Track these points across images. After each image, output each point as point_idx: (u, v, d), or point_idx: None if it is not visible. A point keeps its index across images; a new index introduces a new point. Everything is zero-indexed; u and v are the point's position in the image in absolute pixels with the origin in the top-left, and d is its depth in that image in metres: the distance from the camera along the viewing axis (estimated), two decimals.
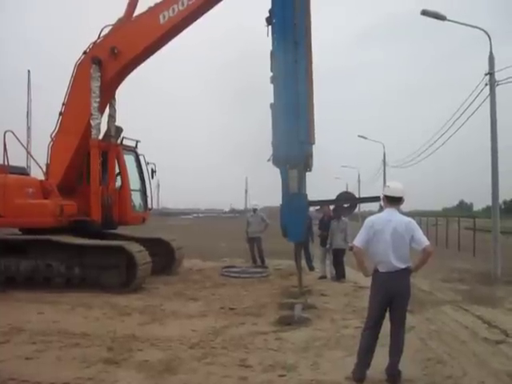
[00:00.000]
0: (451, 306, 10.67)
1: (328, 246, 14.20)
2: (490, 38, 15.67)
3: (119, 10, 13.34)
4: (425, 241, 5.84)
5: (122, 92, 14.48)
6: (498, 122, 15.42)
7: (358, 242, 5.97)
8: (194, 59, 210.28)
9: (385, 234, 5.80)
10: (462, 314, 9.91)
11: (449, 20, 16.32)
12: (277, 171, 10.40)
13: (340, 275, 13.91)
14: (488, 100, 15.73)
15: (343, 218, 13.92)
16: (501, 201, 16.03)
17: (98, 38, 13.40)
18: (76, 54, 13.49)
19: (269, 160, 10.39)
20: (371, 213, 6.54)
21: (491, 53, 15.65)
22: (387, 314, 5.97)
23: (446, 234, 28.67)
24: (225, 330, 8.46)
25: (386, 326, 5.98)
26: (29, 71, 42.13)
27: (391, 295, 5.82)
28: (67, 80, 13.54)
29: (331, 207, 14.19)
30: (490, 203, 16.80)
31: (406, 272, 5.86)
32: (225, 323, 8.89)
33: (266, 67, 10.59)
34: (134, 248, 12.23)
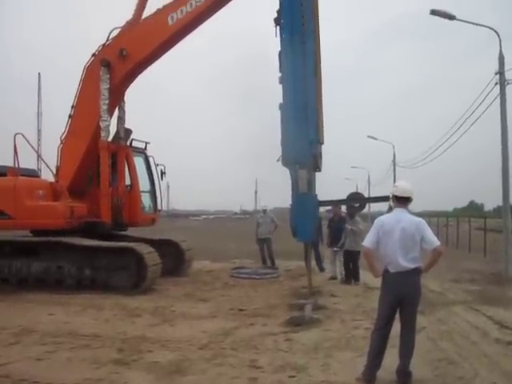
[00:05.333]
0: (462, 306, 10.60)
1: (340, 244, 13.92)
2: (500, 37, 15.64)
3: (128, 13, 13.43)
4: (435, 241, 5.81)
5: (134, 95, 14.57)
6: (508, 121, 15.37)
7: (367, 242, 5.95)
8: (203, 60, 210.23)
9: (394, 234, 5.78)
10: (473, 314, 9.83)
11: (458, 19, 16.27)
12: (287, 171, 10.40)
13: (356, 278, 13.50)
14: (498, 99, 15.68)
15: (356, 218, 13.77)
16: (511, 201, 15.90)
17: (107, 40, 13.46)
18: (84, 58, 13.62)
19: (278, 160, 10.40)
20: (380, 213, 6.53)
21: (501, 52, 15.62)
22: (397, 315, 5.94)
23: (456, 235, 28.51)
24: (234, 330, 8.46)
25: (397, 326, 5.95)
26: (39, 74, 42.68)
27: (401, 296, 5.79)
28: (75, 83, 13.63)
29: (343, 207, 14.11)
30: (500, 203, 16.70)
31: (416, 272, 5.83)
32: (234, 324, 8.89)
33: (274, 67, 10.61)
34: (144, 249, 12.25)
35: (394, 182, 38.21)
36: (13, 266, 12.35)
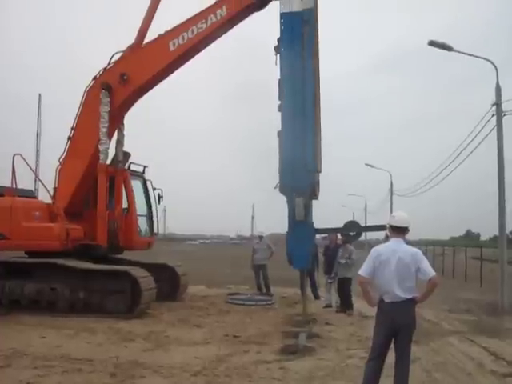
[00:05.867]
0: (457, 336, 10.56)
1: (333, 274, 13.94)
2: (497, 69, 15.84)
3: (130, 37, 13.58)
4: (431, 272, 5.80)
5: (133, 119, 14.65)
6: (504, 152, 15.47)
7: (363, 271, 5.95)
8: (202, 85, 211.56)
9: (390, 265, 5.78)
10: (469, 345, 9.79)
11: (455, 51, 16.47)
12: (284, 198, 10.41)
13: (349, 307, 13.36)
14: (495, 130, 15.82)
15: (348, 246, 13.66)
16: (508, 230, 15.96)
17: (108, 63, 13.59)
18: (84, 81, 13.75)
19: (275, 187, 10.41)
20: (378, 241, 6.56)
21: (498, 84, 15.79)
22: (392, 345, 5.91)
23: (452, 264, 28.48)
24: (228, 357, 8.39)
25: (391, 356, 5.91)
26: (40, 95, 43.10)
27: (396, 326, 5.77)
28: (72, 105, 13.73)
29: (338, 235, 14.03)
30: (497, 233, 16.72)
31: (412, 302, 5.82)
32: (228, 351, 8.82)
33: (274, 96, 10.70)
34: (139, 273, 12.19)
35: (391, 210, 38.39)
36: (6, 287, 12.25)
